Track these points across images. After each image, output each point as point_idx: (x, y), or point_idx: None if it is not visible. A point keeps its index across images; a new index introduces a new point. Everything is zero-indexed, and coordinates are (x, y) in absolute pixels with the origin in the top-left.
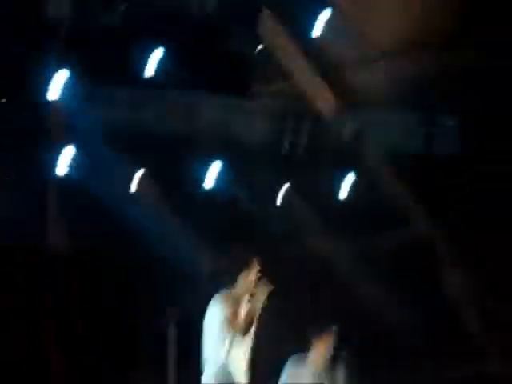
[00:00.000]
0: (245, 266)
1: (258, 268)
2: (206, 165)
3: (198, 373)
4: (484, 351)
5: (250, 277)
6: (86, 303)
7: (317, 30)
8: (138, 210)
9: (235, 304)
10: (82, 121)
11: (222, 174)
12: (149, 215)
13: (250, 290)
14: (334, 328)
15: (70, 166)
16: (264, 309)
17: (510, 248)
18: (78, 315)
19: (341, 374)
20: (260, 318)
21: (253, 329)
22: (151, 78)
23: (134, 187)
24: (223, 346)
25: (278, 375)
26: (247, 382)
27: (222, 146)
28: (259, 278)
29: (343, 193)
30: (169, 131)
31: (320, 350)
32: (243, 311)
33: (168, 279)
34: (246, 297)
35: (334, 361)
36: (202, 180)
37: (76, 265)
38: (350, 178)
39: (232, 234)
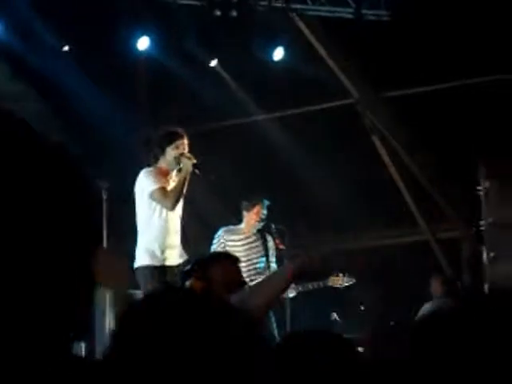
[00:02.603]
0: (174, 140)
1: (186, 142)
2: None
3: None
4: None
5: (177, 151)
6: None
7: None
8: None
9: (166, 175)
10: None
11: None
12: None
13: (177, 162)
14: (265, 202)
15: None
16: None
17: None
18: None
19: (270, 242)
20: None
21: (182, 202)
22: None
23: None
24: (154, 215)
25: (209, 243)
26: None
27: None
28: (183, 153)
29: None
30: None
31: (250, 221)
32: (172, 182)
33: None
34: (175, 170)
35: (264, 231)
36: None
37: None
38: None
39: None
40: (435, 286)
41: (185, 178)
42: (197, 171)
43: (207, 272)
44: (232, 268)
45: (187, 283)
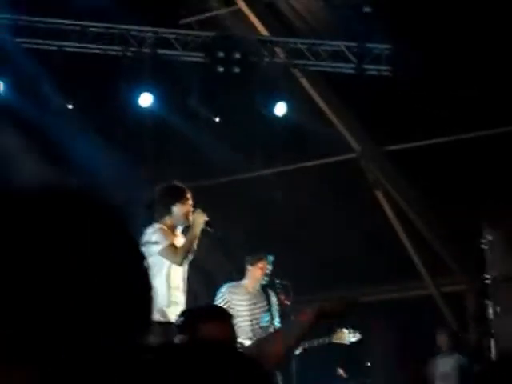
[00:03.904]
0: (180, 197)
1: (189, 196)
2: None
3: None
4: None
5: (185, 207)
6: None
7: None
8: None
9: (172, 232)
10: None
11: None
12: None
13: (185, 218)
14: (270, 257)
15: None
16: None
17: None
18: None
19: (273, 298)
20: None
21: (191, 256)
22: None
23: None
24: (159, 272)
25: (212, 299)
26: (183, 303)
27: None
28: (194, 208)
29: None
30: None
31: (255, 275)
32: (180, 239)
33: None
34: (180, 226)
35: (267, 287)
36: None
37: None
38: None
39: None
40: (441, 341)
41: (196, 235)
42: (209, 229)
43: (198, 329)
44: (224, 326)
45: (177, 339)
